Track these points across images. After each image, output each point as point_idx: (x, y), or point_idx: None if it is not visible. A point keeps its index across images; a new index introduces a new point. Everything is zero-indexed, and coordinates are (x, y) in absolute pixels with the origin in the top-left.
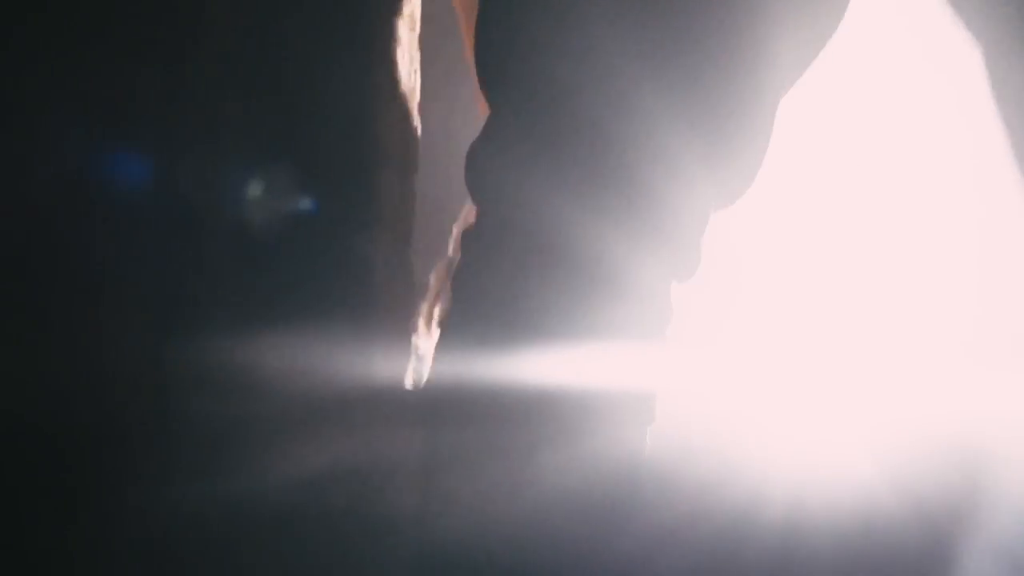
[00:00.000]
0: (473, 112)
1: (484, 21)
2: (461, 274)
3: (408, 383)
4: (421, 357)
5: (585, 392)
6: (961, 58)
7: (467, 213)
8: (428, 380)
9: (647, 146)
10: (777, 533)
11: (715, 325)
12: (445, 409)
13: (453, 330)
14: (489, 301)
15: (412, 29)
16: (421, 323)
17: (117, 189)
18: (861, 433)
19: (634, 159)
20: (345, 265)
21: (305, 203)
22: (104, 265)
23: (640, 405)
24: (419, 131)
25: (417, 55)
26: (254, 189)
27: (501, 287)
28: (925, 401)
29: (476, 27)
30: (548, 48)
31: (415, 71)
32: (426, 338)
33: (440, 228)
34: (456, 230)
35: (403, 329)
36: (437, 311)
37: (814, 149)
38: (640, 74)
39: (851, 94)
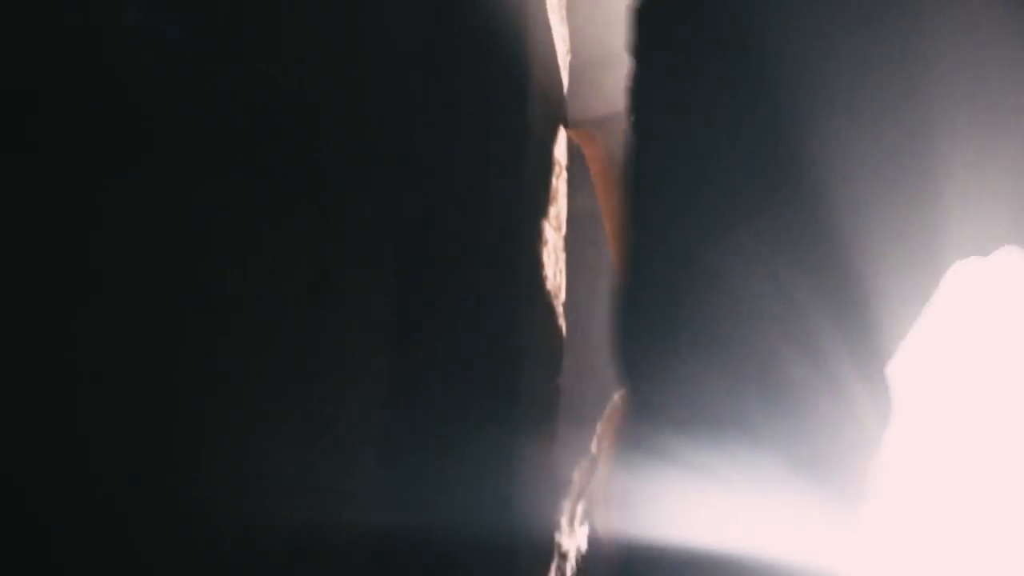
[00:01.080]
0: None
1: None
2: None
3: None
4: (564, 555)
5: None
6: None
7: (611, 411)
8: None
9: (808, 372)
10: None
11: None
12: None
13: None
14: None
15: (558, 230)
16: (564, 521)
17: None
18: None
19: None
20: (488, 461)
21: (451, 398)
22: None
23: None
24: (564, 330)
25: (563, 255)
26: (404, 386)
27: None
28: None
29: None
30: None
31: (560, 270)
32: (569, 536)
33: (583, 424)
34: (600, 428)
35: (546, 527)
36: (580, 509)
37: None
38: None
39: None
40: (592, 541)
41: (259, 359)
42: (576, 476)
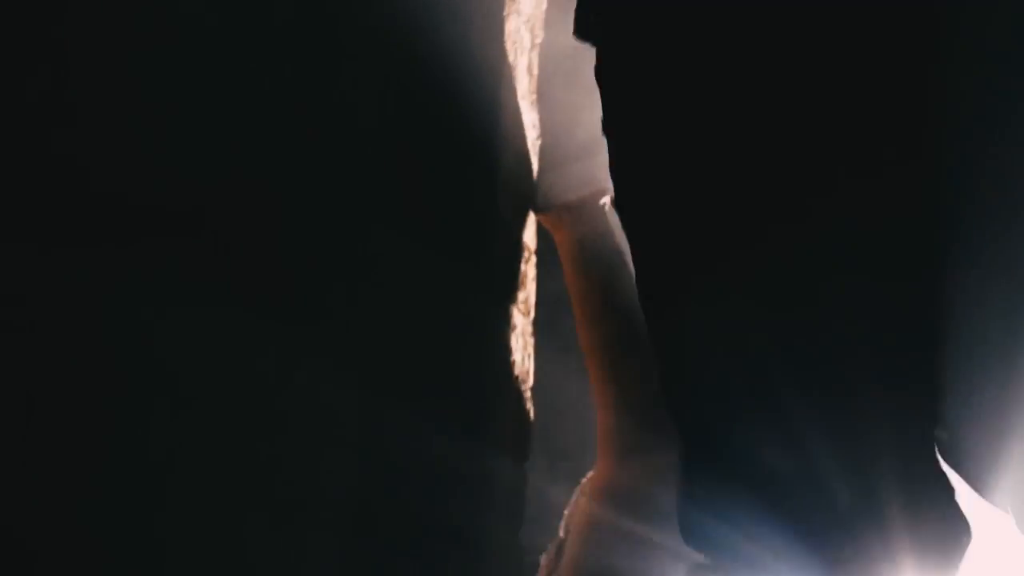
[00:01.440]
0: (583, 389)
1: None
2: None
3: None
4: None
5: None
6: None
7: (578, 494)
8: None
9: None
10: None
11: None
12: None
13: None
14: None
15: (527, 314)
16: None
17: None
18: None
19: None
20: (458, 545)
21: (422, 487)
22: None
23: None
24: (532, 415)
25: (531, 340)
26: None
27: None
28: None
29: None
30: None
31: (529, 355)
32: None
33: (552, 505)
34: (567, 511)
35: None
36: None
37: None
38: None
39: None
40: None
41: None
42: (543, 561)
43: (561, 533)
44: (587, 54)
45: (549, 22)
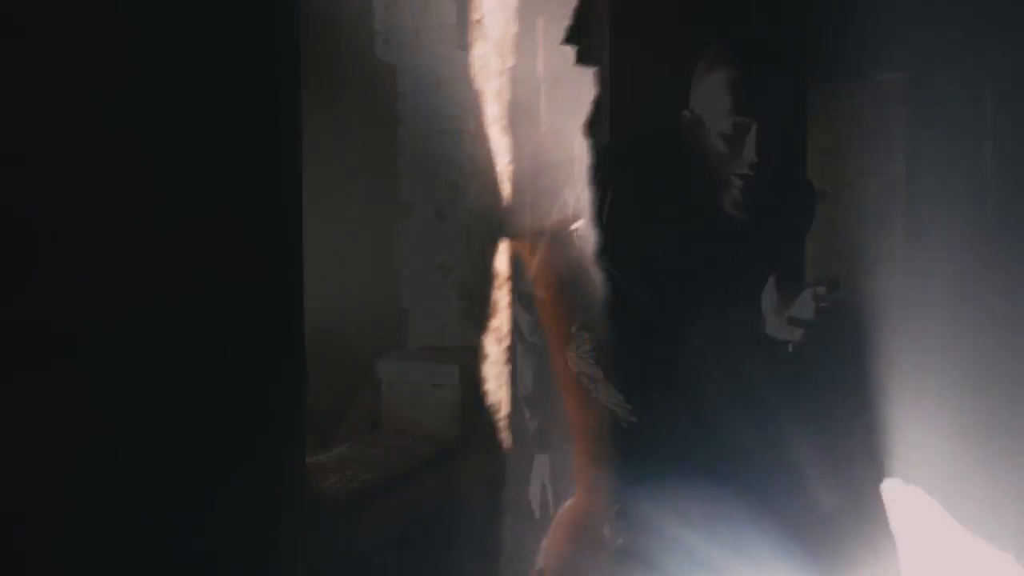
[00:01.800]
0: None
1: None
2: None
3: None
4: None
5: None
6: None
7: (555, 527)
8: None
9: None
10: None
11: None
12: None
13: None
14: None
15: (499, 343)
16: None
17: None
18: None
19: None
20: None
21: (399, 522)
22: None
23: None
24: (507, 443)
25: (506, 367)
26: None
27: None
28: None
29: None
30: None
31: (503, 383)
32: None
33: (529, 537)
34: (545, 544)
35: None
36: None
37: None
38: None
39: None
40: None
41: None
42: None
43: (540, 563)
44: (563, 78)
45: (519, 47)
